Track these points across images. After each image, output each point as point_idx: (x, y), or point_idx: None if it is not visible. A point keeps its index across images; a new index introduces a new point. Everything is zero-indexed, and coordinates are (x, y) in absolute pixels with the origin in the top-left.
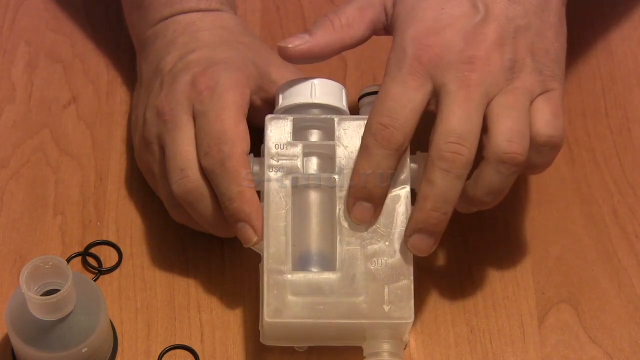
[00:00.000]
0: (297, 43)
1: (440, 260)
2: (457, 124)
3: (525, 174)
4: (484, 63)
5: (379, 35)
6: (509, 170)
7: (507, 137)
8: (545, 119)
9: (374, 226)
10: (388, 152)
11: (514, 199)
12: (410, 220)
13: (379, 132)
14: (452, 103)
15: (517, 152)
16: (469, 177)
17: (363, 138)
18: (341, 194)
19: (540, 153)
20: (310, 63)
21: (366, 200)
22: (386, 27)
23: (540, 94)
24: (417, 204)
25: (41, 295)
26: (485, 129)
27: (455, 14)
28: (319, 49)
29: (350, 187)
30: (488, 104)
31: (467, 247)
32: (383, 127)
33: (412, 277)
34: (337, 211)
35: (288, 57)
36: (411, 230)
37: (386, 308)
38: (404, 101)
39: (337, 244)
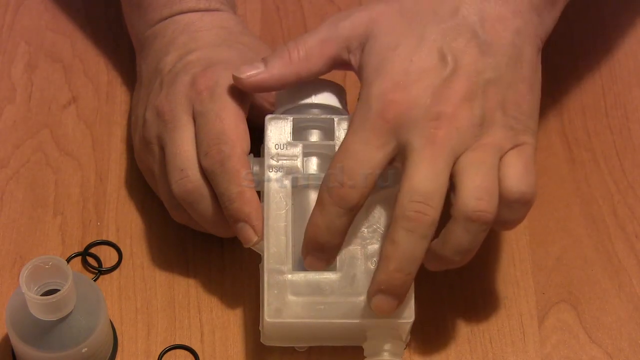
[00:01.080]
0: (252, 73)
1: None
2: (422, 182)
3: (496, 230)
4: (451, 120)
5: (339, 70)
6: (478, 228)
7: (475, 195)
8: (517, 175)
9: (375, 226)
10: (342, 211)
11: None
12: (373, 280)
13: (334, 190)
14: (418, 161)
15: (485, 211)
16: (436, 235)
17: (319, 191)
18: None
19: (512, 209)
20: (263, 92)
21: (319, 252)
22: (348, 66)
23: (511, 148)
24: (380, 263)
25: (41, 295)
26: (452, 187)
27: (423, 67)
28: (274, 81)
29: (304, 236)
30: (455, 161)
31: None
32: (339, 185)
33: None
34: None
35: (242, 86)
36: (374, 291)
37: None
38: (364, 160)
39: None
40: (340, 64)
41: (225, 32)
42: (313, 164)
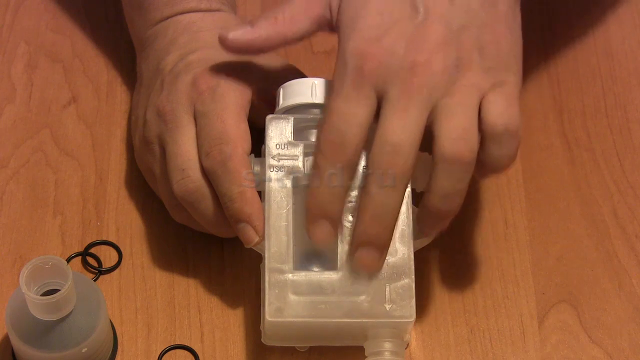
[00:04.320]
0: (238, 34)
1: (440, 260)
2: (393, 133)
3: (492, 171)
4: (425, 67)
5: (324, 32)
6: (458, 169)
7: (452, 136)
8: (499, 110)
9: None
10: (339, 171)
11: (514, 199)
12: (352, 237)
13: (327, 150)
14: (390, 112)
15: (463, 150)
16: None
17: (313, 157)
18: None
19: (500, 144)
20: (250, 54)
21: (324, 218)
22: (331, 26)
23: (491, 89)
24: (357, 217)
25: (41, 295)
26: (431, 133)
27: (395, 17)
28: (260, 41)
29: (306, 207)
30: (434, 107)
31: (467, 247)
32: (331, 145)
33: (413, 276)
34: None
35: (227, 47)
36: (354, 246)
37: (387, 307)
38: (349, 117)
39: (338, 243)
40: (324, 24)
41: None
42: None
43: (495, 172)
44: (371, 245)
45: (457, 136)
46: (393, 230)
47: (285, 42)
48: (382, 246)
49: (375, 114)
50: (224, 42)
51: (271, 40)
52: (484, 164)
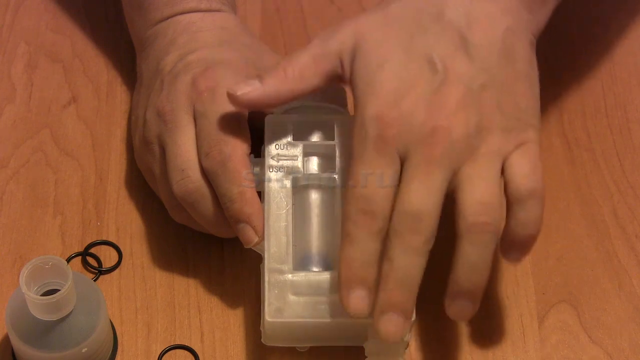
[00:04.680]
0: (247, 90)
1: (441, 260)
2: (414, 202)
3: (519, 241)
4: (446, 132)
5: (336, 84)
6: (482, 240)
7: (474, 209)
8: (524, 173)
9: None
10: (372, 237)
11: None
12: (376, 301)
13: (359, 219)
14: (412, 179)
15: (486, 222)
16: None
17: (344, 226)
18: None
19: (525, 209)
20: (259, 110)
21: (361, 286)
22: (343, 81)
23: (514, 149)
24: (380, 284)
25: (41, 295)
26: (455, 202)
27: (413, 79)
28: (269, 98)
29: (340, 277)
30: (454, 175)
31: None
32: (362, 213)
33: None
34: (338, 210)
35: (236, 103)
36: (378, 313)
37: None
38: (376, 183)
39: (338, 244)
40: (335, 78)
41: (225, 33)
42: (313, 164)
43: (523, 245)
44: (396, 312)
45: (478, 210)
46: (416, 297)
47: (295, 99)
48: (407, 312)
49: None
50: (233, 99)
51: (280, 97)
52: (510, 230)
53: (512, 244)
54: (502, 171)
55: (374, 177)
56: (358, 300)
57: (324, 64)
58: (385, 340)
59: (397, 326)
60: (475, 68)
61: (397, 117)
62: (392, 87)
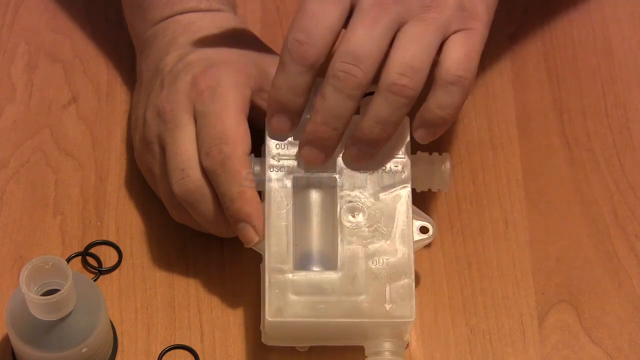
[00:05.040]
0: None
1: (441, 260)
2: (357, 44)
3: (432, 121)
4: None
5: None
6: (397, 101)
7: (400, 69)
8: (457, 58)
9: (375, 225)
10: (302, 69)
11: (514, 199)
12: (303, 133)
13: (294, 49)
14: (359, 22)
15: (406, 86)
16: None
17: (280, 54)
18: (342, 193)
19: (448, 92)
20: None
21: (282, 113)
22: None
23: (457, 31)
24: (310, 117)
25: (41, 295)
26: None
27: None
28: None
29: (268, 100)
30: (398, 29)
31: (467, 247)
32: (298, 43)
33: (413, 276)
34: (338, 210)
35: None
36: (303, 143)
37: (387, 307)
38: (320, 18)
39: (338, 243)
40: None
41: (226, 33)
42: None
43: (434, 125)
44: (318, 145)
45: (404, 71)
46: (341, 135)
47: None
48: (329, 148)
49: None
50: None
51: None
52: (426, 108)
53: (424, 121)
54: (438, 50)
55: (319, 14)
56: (279, 124)
57: None
58: (306, 166)
59: (317, 158)
60: None
61: None
62: None
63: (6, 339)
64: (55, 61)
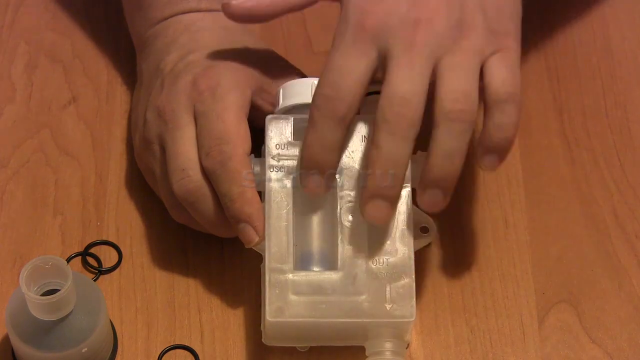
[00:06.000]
0: (241, 0)
1: (440, 260)
2: (400, 86)
3: (495, 144)
4: (428, 24)
5: (327, 0)
6: (458, 128)
7: (452, 97)
8: (502, 77)
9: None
10: (333, 124)
11: (514, 199)
12: (363, 190)
13: (322, 104)
14: (396, 66)
15: (463, 110)
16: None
17: (310, 111)
18: (342, 193)
19: (503, 112)
20: (254, 22)
21: (317, 172)
22: None
23: (493, 53)
24: (368, 170)
25: (41, 295)
26: (433, 94)
27: None
28: (263, 8)
29: (299, 160)
30: (435, 66)
31: (467, 247)
32: (326, 98)
33: (413, 276)
34: (338, 210)
35: (230, 14)
36: (366, 199)
37: (388, 307)
38: (347, 71)
39: (339, 243)
40: None
41: (226, 33)
42: None
43: (499, 148)
44: (383, 197)
45: (456, 97)
46: (402, 183)
47: (289, 10)
48: (394, 198)
49: (375, 73)
50: (227, 9)
51: (274, 8)
52: (487, 133)
53: (488, 147)
54: (480, 74)
55: (346, 67)
56: (315, 184)
57: None
58: (371, 223)
59: (383, 211)
60: None
61: (380, 8)
62: None
63: (6, 339)
64: (55, 61)
